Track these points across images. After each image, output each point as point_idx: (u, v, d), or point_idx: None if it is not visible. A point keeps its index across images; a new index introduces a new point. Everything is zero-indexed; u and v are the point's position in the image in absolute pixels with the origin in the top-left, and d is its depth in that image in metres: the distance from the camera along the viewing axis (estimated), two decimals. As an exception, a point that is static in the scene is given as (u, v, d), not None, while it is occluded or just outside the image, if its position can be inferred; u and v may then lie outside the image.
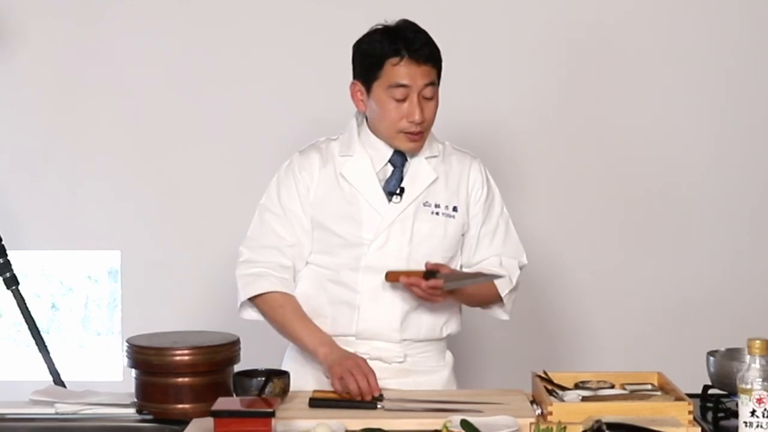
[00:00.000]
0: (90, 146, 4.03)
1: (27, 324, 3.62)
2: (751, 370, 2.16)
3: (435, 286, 2.67)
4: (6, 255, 3.60)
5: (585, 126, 4.04)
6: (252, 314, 2.84)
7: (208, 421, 2.30)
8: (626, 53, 4.03)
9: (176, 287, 4.01)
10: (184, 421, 2.49)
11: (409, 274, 2.70)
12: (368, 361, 2.72)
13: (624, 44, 4.03)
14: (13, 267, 3.61)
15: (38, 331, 3.63)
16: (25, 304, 3.61)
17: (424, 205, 2.80)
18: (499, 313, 2.92)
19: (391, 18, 2.79)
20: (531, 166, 4.04)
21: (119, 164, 4.02)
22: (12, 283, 3.60)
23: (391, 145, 2.79)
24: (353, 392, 2.58)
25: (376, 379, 2.62)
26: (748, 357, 2.18)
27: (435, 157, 2.84)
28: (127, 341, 2.64)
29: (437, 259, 2.77)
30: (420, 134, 2.76)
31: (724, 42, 4.02)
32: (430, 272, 2.69)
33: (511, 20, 4.01)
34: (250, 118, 4.01)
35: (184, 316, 3.89)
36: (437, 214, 2.81)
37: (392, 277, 2.73)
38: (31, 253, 4.02)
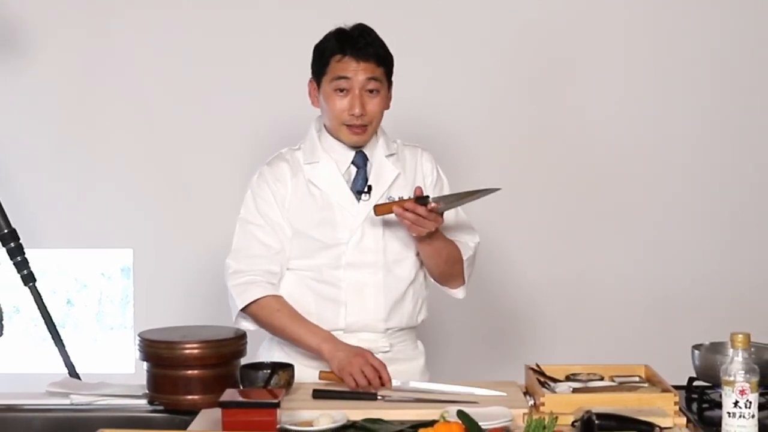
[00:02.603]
0: (103, 150, 4.03)
1: (44, 319, 3.62)
2: (734, 363, 2.16)
3: (433, 209, 2.66)
4: (24, 253, 3.60)
5: (570, 125, 4.03)
6: (246, 325, 2.80)
7: (216, 412, 2.30)
8: (593, 51, 4.02)
9: (185, 284, 4.01)
10: (194, 412, 2.49)
11: (399, 203, 2.68)
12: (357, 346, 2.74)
13: (591, 43, 4.01)
14: (31, 264, 3.61)
15: (54, 326, 3.63)
16: (42, 299, 3.62)
17: (389, 200, 2.80)
18: (456, 292, 2.91)
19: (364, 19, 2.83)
20: (517, 165, 4.03)
21: (131, 167, 4.03)
22: (29, 279, 3.60)
23: (338, 139, 2.81)
24: (368, 390, 2.58)
25: (387, 371, 2.61)
26: (731, 350, 2.18)
27: (393, 154, 2.87)
28: (138, 335, 2.64)
29: (410, 246, 2.81)
30: (362, 127, 2.78)
31: (698, 39, 4.01)
32: (421, 198, 2.67)
33: (476, 21, 3.99)
34: (255, 122, 4.00)
35: (193, 311, 3.89)
36: None
37: (382, 210, 2.70)
38: (47, 251, 4.02)
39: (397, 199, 2.76)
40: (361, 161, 2.83)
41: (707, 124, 4.04)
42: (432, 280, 2.92)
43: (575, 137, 4.03)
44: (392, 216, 2.71)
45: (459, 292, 2.92)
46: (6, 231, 3.58)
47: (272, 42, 3.99)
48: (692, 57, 4.02)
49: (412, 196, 2.73)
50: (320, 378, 2.64)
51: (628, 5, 4.03)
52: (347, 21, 2.83)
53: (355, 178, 2.83)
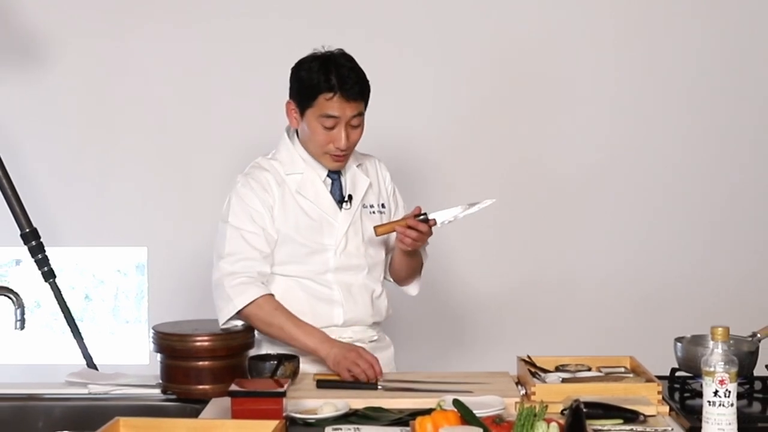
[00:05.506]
0: (119, 152, 4.03)
1: (63, 313, 3.63)
2: (714, 355, 2.16)
3: (432, 225, 2.74)
4: (44, 251, 3.61)
5: (554, 125, 4.02)
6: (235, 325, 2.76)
7: (226, 401, 2.31)
8: (554, 66, 4.00)
9: (197, 280, 3.99)
10: (204, 400, 2.51)
11: (399, 222, 2.76)
12: (349, 343, 2.77)
13: (548, 58, 4.00)
14: (51, 262, 3.62)
15: (73, 320, 3.63)
16: (62, 295, 3.62)
17: (364, 207, 2.87)
18: (410, 289, 3.01)
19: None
20: (509, 164, 4.03)
21: (146, 168, 4.03)
22: (49, 276, 3.61)
23: (318, 162, 2.83)
24: (362, 380, 2.60)
25: (379, 364, 2.64)
26: (711, 343, 2.18)
27: (361, 164, 2.92)
28: (153, 328, 2.65)
29: (381, 251, 2.90)
30: (344, 155, 2.81)
31: (683, 40, 3.99)
32: (421, 216, 2.73)
33: (438, 36, 3.98)
34: (262, 124, 4.00)
35: (204, 306, 3.86)
36: (374, 213, 2.89)
37: (382, 230, 2.77)
38: (66, 249, 4.02)
39: (369, 206, 2.87)
40: (334, 173, 2.87)
41: (691, 124, 4.02)
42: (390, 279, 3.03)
43: (562, 137, 4.02)
44: (369, 223, 2.82)
45: (413, 289, 3.02)
46: (27, 230, 3.59)
47: (282, 48, 3.98)
48: (679, 56, 4.00)
49: (378, 204, 2.88)
50: (315, 380, 2.63)
51: (613, 8, 4.02)
52: (352, 31, 2.84)
53: (332, 189, 2.85)
